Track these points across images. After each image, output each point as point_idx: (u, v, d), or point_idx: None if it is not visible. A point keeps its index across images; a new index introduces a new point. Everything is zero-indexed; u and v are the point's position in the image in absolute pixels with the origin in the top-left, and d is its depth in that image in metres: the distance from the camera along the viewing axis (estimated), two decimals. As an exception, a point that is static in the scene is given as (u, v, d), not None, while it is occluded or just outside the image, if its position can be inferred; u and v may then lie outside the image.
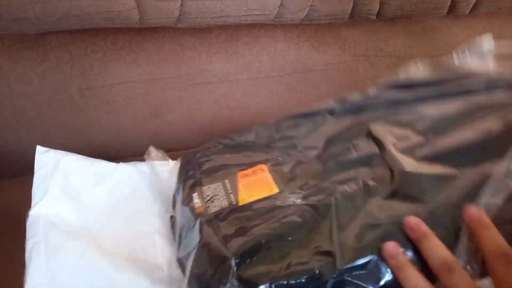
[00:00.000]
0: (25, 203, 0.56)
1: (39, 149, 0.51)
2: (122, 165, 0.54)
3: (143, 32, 0.71)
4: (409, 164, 0.41)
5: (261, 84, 0.78)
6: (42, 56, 0.64)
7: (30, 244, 0.41)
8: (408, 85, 0.57)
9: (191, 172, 0.49)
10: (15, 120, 0.63)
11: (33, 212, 0.44)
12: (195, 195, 0.45)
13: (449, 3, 0.98)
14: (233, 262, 0.34)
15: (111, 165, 0.53)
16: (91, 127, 0.67)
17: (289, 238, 0.37)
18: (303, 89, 0.81)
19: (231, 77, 0.76)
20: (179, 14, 0.73)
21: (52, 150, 0.51)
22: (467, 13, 1.03)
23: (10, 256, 0.47)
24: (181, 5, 0.72)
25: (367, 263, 0.33)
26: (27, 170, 0.65)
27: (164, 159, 0.56)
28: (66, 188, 0.48)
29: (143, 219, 0.48)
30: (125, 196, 0.50)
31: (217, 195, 0.44)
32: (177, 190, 0.49)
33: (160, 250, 0.44)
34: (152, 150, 0.57)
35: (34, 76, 0.63)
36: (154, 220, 0.48)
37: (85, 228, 0.45)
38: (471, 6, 1.02)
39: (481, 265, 0.33)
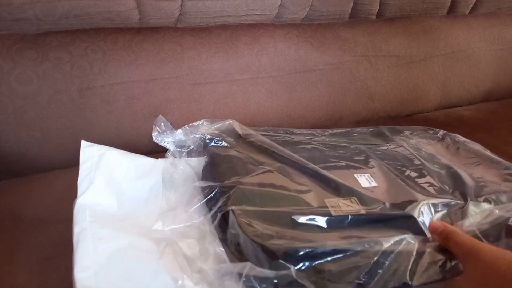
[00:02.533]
0: (25, 203, 0.56)
1: (84, 143, 0.53)
2: (160, 161, 0.58)
3: (143, 32, 0.71)
4: None
5: (261, 84, 0.78)
6: (42, 56, 0.64)
7: (77, 229, 0.43)
8: None
9: None
10: (15, 120, 0.63)
11: (79, 201, 0.47)
12: None
13: (449, 3, 0.98)
14: None
15: (151, 160, 0.57)
16: (91, 127, 0.67)
17: None
18: (303, 89, 0.81)
19: (231, 77, 0.76)
20: (179, 14, 0.73)
21: (96, 144, 0.54)
22: (467, 13, 1.03)
23: (10, 256, 0.47)
24: (181, 5, 0.72)
25: None
26: (27, 170, 0.65)
27: (172, 130, 0.61)
28: (110, 180, 0.51)
29: (178, 209, 0.51)
30: (163, 188, 0.54)
31: None
32: None
33: (196, 241, 0.46)
34: (161, 120, 0.61)
35: (34, 76, 0.63)
36: (188, 209, 0.50)
37: (126, 217, 0.48)
38: (471, 6, 1.02)
39: None
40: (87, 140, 0.57)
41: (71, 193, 0.48)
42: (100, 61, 0.67)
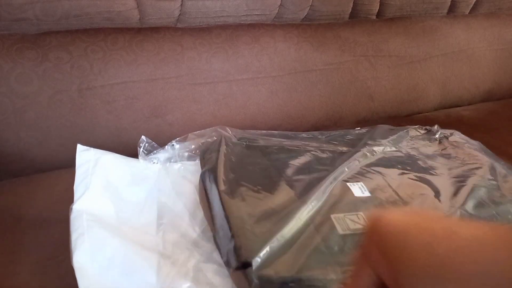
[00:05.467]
0: (25, 203, 0.56)
1: (80, 147, 0.53)
2: (156, 165, 0.58)
3: (143, 32, 0.71)
4: None
5: (261, 84, 0.78)
6: (42, 56, 0.64)
7: (74, 235, 0.43)
8: None
9: None
10: (15, 120, 0.63)
11: (76, 207, 0.46)
12: None
13: (449, 3, 0.98)
14: None
15: (147, 164, 0.57)
16: (91, 127, 0.67)
17: None
18: (303, 89, 0.81)
19: (231, 77, 0.76)
20: (179, 14, 0.73)
21: (92, 148, 0.54)
22: (467, 13, 1.03)
23: (11, 256, 0.47)
24: (181, 5, 0.72)
25: None
26: (27, 170, 0.65)
27: (155, 149, 0.60)
28: (106, 185, 0.51)
29: (175, 214, 0.51)
30: (159, 193, 0.53)
31: None
32: None
33: (191, 243, 0.46)
34: (144, 140, 0.60)
35: (34, 76, 0.63)
36: (184, 214, 0.51)
37: (123, 222, 0.48)
38: (471, 6, 1.02)
39: None
40: (87, 140, 0.57)
41: (71, 193, 0.48)
42: (100, 61, 0.67)
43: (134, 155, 0.60)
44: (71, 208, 0.46)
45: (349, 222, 0.44)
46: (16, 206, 0.55)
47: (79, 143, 0.54)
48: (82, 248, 0.41)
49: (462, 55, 0.98)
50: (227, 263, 0.40)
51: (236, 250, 0.39)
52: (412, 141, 0.65)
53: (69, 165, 0.63)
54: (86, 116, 0.67)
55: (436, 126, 0.71)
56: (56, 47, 0.65)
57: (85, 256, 0.41)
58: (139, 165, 0.57)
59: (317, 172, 0.52)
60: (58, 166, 0.65)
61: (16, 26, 0.64)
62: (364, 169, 0.54)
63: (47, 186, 0.59)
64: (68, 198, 0.48)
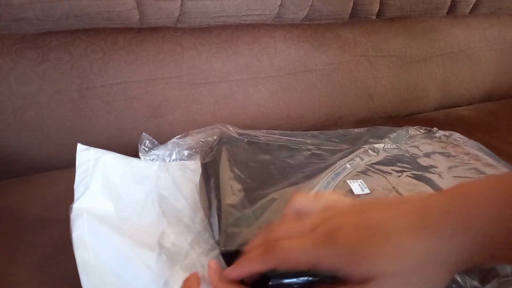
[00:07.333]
0: (25, 203, 0.56)
1: (80, 146, 0.53)
2: (156, 164, 0.58)
3: (143, 32, 0.71)
4: None
5: (261, 84, 0.78)
6: (42, 56, 0.64)
7: (75, 234, 0.43)
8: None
9: None
10: (15, 120, 0.63)
11: (76, 206, 0.46)
12: None
13: (449, 3, 0.98)
14: None
15: (147, 164, 0.57)
16: (91, 127, 0.67)
17: None
18: (303, 89, 0.81)
19: (231, 77, 0.76)
20: (179, 14, 0.73)
21: (92, 148, 0.54)
22: (467, 13, 1.03)
23: (10, 256, 0.47)
24: (181, 5, 0.72)
25: None
26: (27, 170, 0.65)
27: (156, 146, 0.61)
28: (107, 184, 0.51)
29: (176, 209, 0.51)
30: (159, 192, 0.54)
31: None
32: None
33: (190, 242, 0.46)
34: (145, 137, 0.61)
35: (34, 76, 0.63)
36: (185, 212, 0.51)
37: (124, 221, 0.48)
38: (471, 6, 1.02)
39: None
40: (87, 140, 0.57)
41: (71, 193, 0.48)
42: (100, 61, 0.67)
43: (134, 155, 0.60)
44: (71, 207, 0.46)
45: None
46: (16, 206, 0.55)
47: (79, 143, 0.54)
48: (84, 246, 0.41)
49: (462, 55, 0.98)
50: (219, 244, 0.41)
51: (234, 245, 0.40)
52: (412, 139, 0.65)
53: (69, 165, 0.63)
54: (86, 116, 0.67)
55: (434, 129, 0.71)
56: (56, 47, 0.65)
57: (87, 253, 0.41)
58: (139, 164, 0.57)
59: (318, 169, 0.52)
60: (58, 166, 0.65)
61: (16, 26, 0.64)
62: (364, 167, 0.54)
63: (47, 186, 0.59)
64: (68, 198, 0.48)
